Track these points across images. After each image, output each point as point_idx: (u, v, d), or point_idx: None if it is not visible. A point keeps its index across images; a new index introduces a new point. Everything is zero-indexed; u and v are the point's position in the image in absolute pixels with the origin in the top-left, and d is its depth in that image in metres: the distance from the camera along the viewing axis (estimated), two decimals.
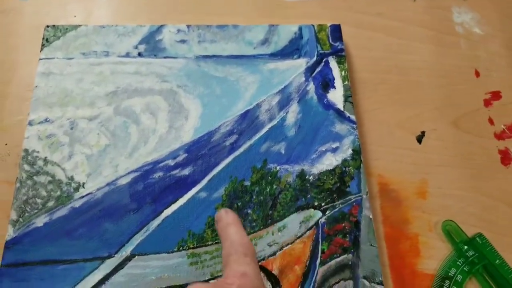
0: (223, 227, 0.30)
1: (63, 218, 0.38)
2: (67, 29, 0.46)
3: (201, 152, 0.42)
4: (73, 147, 0.41)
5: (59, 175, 0.40)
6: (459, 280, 0.39)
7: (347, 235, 0.39)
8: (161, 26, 0.47)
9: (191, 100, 0.44)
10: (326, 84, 0.46)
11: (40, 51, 0.45)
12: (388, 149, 0.46)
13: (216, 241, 0.38)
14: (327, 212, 0.40)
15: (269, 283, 0.37)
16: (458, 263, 0.40)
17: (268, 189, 0.41)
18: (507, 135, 0.48)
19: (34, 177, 0.39)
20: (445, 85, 0.50)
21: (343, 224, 0.40)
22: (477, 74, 0.51)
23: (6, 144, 0.42)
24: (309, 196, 0.41)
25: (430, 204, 0.43)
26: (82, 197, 0.39)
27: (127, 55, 0.45)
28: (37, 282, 0.35)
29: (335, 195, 0.41)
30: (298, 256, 0.38)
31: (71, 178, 0.39)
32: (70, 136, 0.41)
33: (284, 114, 0.44)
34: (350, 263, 0.38)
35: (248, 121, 0.43)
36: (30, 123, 0.41)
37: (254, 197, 0.40)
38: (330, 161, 0.42)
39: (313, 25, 0.49)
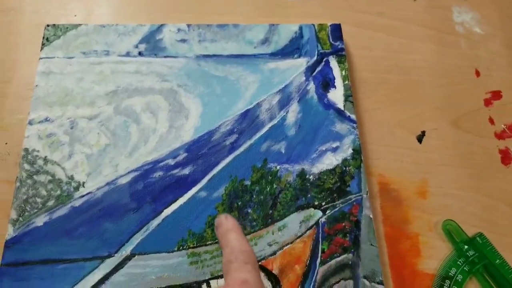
0: (223, 233, 0.30)
1: (63, 218, 0.38)
2: (67, 28, 0.46)
3: (201, 151, 0.42)
4: (73, 146, 0.41)
5: (59, 174, 0.40)
6: (460, 280, 0.39)
7: (347, 235, 0.39)
8: (162, 25, 0.47)
9: (192, 99, 0.44)
10: (326, 83, 0.46)
11: (41, 50, 0.45)
12: (388, 149, 0.46)
13: (216, 240, 0.38)
14: (328, 211, 0.40)
15: (269, 283, 0.37)
16: (458, 263, 0.40)
17: (268, 189, 0.41)
18: (508, 135, 0.47)
19: (34, 176, 0.39)
20: (445, 84, 0.50)
21: (343, 224, 0.40)
22: (478, 73, 0.51)
23: (6, 143, 0.42)
24: (309, 195, 0.41)
25: (431, 204, 0.43)
26: (82, 196, 0.39)
27: (128, 54, 0.45)
28: (37, 281, 0.35)
29: (335, 195, 0.41)
30: (298, 256, 0.38)
31: (71, 178, 0.39)
32: (70, 135, 0.41)
33: (285, 114, 0.44)
34: (350, 262, 0.38)
35: (248, 120, 0.43)
36: (30, 122, 0.41)
37: (254, 196, 0.40)
38: (330, 161, 0.42)
39: (313, 25, 0.49)
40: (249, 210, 0.40)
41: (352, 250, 0.39)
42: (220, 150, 0.42)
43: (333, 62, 0.47)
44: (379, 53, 0.51)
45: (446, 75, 0.50)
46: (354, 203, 0.40)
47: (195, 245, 0.38)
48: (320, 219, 0.40)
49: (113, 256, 0.37)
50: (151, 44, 0.46)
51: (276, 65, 0.46)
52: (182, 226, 0.38)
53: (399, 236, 0.42)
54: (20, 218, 0.37)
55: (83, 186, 0.39)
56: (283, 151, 0.42)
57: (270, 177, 0.41)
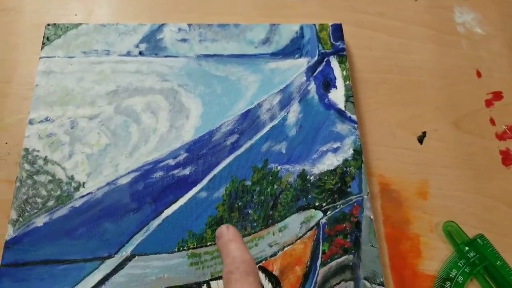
0: (224, 243, 0.29)
1: (63, 218, 0.38)
2: (68, 27, 0.46)
3: (202, 151, 0.41)
4: (74, 146, 0.41)
5: (59, 174, 0.39)
6: (460, 281, 0.39)
7: (348, 236, 0.39)
8: (162, 25, 0.47)
9: (192, 99, 0.44)
10: (327, 83, 0.46)
11: (41, 50, 0.45)
12: (389, 149, 0.45)
13: None
14: (328, 212, 0.40)
15: (270, 284, 0.37)
16: (459, 264, 0.40)
17: (269, 189, 0.41)
18: (509, 136, 0.47)
19: (34, 177, 0.39)
20: (446, 85, 0.50)
21: (344, 225, 0.40)
22: (479, 74, 0.51)
23: (6, 143, 0.42)
24: (310, 196, 0.41)
25: (431, 205, 0.43)
26: (82, 196, 0.39)
27: (128, 54, 0.45)
28: (37, 282, 0.35)
29: (336, 196, 0.41)
30: (299, 257, 0.38)
31: (71, 178, 0.39)
32: (70, 135, 0.41)
33: (285, 114, 0.44)
34: (351, 263, 0.38)
35: (249, 120, 0.43)
36: (30, 122, 0.41)
37: (255, 197, 0.40)
38: (331, 161, 0.42)
39: (314, 25, 0.49)
40: (250, 211, 0.40)
41: (353, 251, 0.39)
42: (221, 150, 0.42)
43: (334, 62, 0.47)
44: (379, 53, 0.51)
45: (447, 76, 0.50)
46: (355, 204, 0.40)
47: (195, 245, 0.38)
48: (321, 220, 0.40)
49: (113, 256, 0.37)
50: (152, 44, 0.46)
51: (277, 65, 0.46)
52: (182, 227, 0.38)
53: (400, 237, 0.42)
54: (20, 219, 0.37)
55: (83, 186, 0.39)
56: (283, 151, 0.42)
57: (270, 178, 0.41)
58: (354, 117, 0.44)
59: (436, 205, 0.43)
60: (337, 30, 0.48)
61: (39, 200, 0.38)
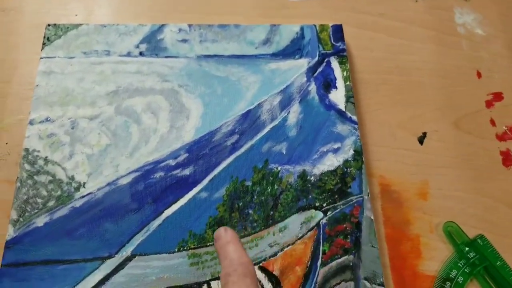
0: (222, 245, 0.29)
1: (64, 218, 0.38)
2: (68, 28, 0.46)
3: (202, 152, 0.41)
4: (74, 146, 0.41)
5: (59, 174, 0.39)
6: (460, 282, 0.39)
7: (348, 236, 0.39)
8: (163, 25, 0.47)
9: (192, 99, 0.44)
10: (327, 84, 0.46)
11: (41, 50, 0.45)
12: (389, 150, 0.46)
13: None
14: (328, 213, 0.40)
15: (270, 284, 0.37)
16: (459, 264, 0.40)
17: (269, 190, 0.41)
18: (509, 137, 0.47)
19: (35, 177, 0.39)
20: (446, 86, 0.50)
21: (344, 225, 0.40)
22: (479, 75, 0.51)
23: (6, 143, 0.42)
24: (310, 196, 0.41)
25: (431, 205, 0.43)
26: (83, 196, 0.39)
27: (128, 54, 0.45)
28: (37, 282, 0.35)
29: (336, 196, 0.41)
30: (299, 257, 0.38)
31: (72, 178, 0.39)
32: (71, 135, 0.41)
33: (286, 114, 0.44)
34: (351, 264, 0.38)
35: (249, 121, 0.43)
36: (30, 122, 0.41)
37: (255, 197, 0.40)
38: (331, 162, 0.42)
39: (315, 25, 0.49)
40: (250, 211, 0.40)
41: (353, 251, 0.39)
42: (221, 150, 0.42)
43: (334, 62, 0.47)
44: (380, 54, 0.51)
45: (447, 76, 0.50)
46: (355, 204, 0.40)
47: (195, 246, 0.38)
48: (321, 220, 0.40)
49: (114, 256, 0.37)
50: (152, 44, 0.46)
51: (277, 66, 0.46)
52: (182, 227, 0.38)
53: (400, 237, 0.42)
54: (21, 219, 0.37)
55: (84, 187, 0.39)
56: (284, 152, 0.42)
57: (271, 178, 0.41)
58: (354, 117, 0.44)
59: (436, 206, 0.43)
60: (338, 31, 0.49)
61: (39, 200, 0.38)
